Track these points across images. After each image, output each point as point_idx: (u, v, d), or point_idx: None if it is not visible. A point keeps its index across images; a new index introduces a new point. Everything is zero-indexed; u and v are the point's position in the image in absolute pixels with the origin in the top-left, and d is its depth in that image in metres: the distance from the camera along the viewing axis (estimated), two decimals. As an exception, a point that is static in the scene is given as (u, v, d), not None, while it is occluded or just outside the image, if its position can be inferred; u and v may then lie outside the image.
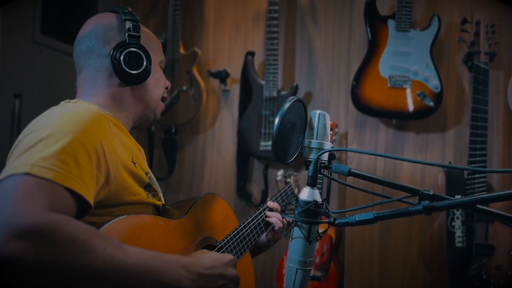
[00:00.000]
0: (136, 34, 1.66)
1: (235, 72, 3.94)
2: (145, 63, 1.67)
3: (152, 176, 1.72)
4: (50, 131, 1.30)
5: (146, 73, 1.68)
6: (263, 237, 2.14)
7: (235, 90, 3.97)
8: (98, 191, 1.36)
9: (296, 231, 1.27)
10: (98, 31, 1.68)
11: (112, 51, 1.63)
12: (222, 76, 3.87)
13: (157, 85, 1.79)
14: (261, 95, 3.65)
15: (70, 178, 1.23)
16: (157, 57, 1.79)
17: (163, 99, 1.86)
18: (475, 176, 3.10)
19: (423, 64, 3.30)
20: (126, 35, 1.65)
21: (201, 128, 4.08)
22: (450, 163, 3.43)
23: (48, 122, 1.36)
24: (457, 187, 3.10)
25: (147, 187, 1.63)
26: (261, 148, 3.62)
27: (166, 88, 1.87)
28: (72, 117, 1.39)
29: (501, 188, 3.34)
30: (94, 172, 1.33)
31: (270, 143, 3.56)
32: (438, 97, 3.28)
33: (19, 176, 1.17)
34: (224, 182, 4.02)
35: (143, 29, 1.78)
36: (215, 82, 4.00)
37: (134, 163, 1.59)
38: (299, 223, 1.26)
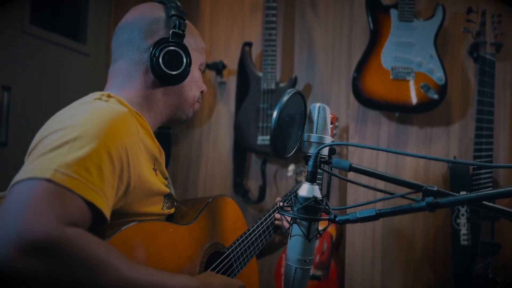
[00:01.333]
0: (180, 32, 1.64)
1: (232, 63, 3.94)
2: (184, 64, 1.65)
3: (169, 180, 1.72)
4: (77, 133, 1.28)
5: (184, 75, 1.67)
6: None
7: (231, 82, 3.97)
8: (115, 202, 1.35)
9: (295, 229, 1.27)
10: (142, 22, 1.66)
11: (152, 47, 1.61)
12: (218, 68, 3.87)
13: (194, 87, 1.78)
14: (259, 87, 3.65)
15: (91, 190, 1.21)
16: (198, 59, 1.78)
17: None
18: (481, 171, 3.10)
19: (427, 55, 3.30)
20: (170, 32, 1.63)
21: (197, 122, 4.08)
22: (455, 158, 3.43)
23: (76, 122, 1.33)
24: (462, 182, 3.10)
25: (167, 196, 1.63)
26: (258, 143, 3.62)
27: (202, 92, 1.86)
28: (102, 120, 1.36)
29: (507, 183, 3.34)
30: (116, 183, 1.32)
31: (268, 137, 3.56)
32: (442, 90, 3.27)
33: (39, 181, 1.14)
34: (221, 177, 4.02)
35: (191, 28, 1.76)
36: (211, 74, 4.00)
37: (155, 170, 1.59)
38: (298, 220, 1.26)
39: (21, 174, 1.18)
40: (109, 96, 1.56)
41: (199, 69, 1.80)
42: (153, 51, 1.60)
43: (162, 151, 1.73)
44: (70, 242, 1.09)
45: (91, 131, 1.29)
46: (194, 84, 1.77)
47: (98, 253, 1.14)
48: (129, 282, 1.17)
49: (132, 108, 1.58)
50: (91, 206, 1.21)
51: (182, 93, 1.73)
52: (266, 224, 2.02)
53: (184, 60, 1.64)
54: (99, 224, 1.27)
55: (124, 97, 1.60)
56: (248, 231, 1.91)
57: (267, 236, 2.02)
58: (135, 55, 1.64)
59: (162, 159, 1.69)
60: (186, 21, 1.70)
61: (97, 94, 1.57)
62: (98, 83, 3.90)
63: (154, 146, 1.62)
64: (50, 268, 1.06)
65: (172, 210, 1.69)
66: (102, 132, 1.31)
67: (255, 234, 1.94)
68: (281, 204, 1.31)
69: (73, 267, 1.09)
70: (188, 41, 1.70)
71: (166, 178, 1.67)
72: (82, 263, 1.10)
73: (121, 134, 1.37)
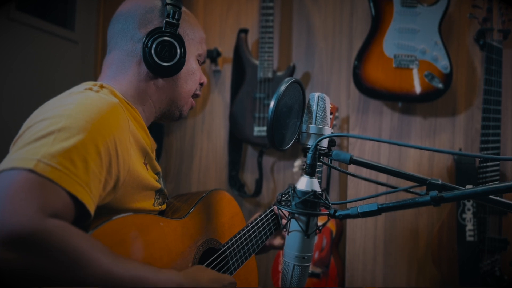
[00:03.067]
0: (174, 21, 1.64)
1: (227, 51, 3.93)
2: (178, 55, 1.65)
3: (161, 175, 1.72)
4: (63, 123, 1.28)
5: (178, 66, 1.67)
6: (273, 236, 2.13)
7: (226, 71, 3.96)
8: (104, 196, 1.36)
9: (293, 224, 1.27)
10: (136, 12, 1.67)
11: (145, 37, 1.61)
12: (213, 56, 3.86)
13: (190, 80, 1.78)
14: (255, 76, 3.64)
15: (75, 182, 1.22)
16: (196, 49, 1.77)
17: (194, 96, 1.84)
18: (488, 164, 3.10)
19: (431, 43, 3.29)
20: (164, 21, 1.63)
21: (190, 112, 4.07)
22: (460, 150, 3.43)
23: (64, 112, 1.33)
24: (468, 176, 3.10)
25: (158, 192, 1.63)
26: (255, 134, 3.62)
27: (201, 84, 1.86)
28: (91, 111, 1.36)
29: (515, 177, 3.35)
30: (103, 177, 1.33)
31: (264, 128, 3.56)
32: (447, 78, 3.27)
33: (22, 171, 1.16)
34: (215, 170, 4.02)
35: (189, 17, 1.76)
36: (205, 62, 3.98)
37: (146, 164, 1.59)
38: (296, 215, 1.26)
39: (4, 164, 1.18)
40: (101, 86, 1.57)
41: (197, 60, 1.80)
42: (146, 42, 1.60)
43: (155, 145, 1.73)
44: (50, 234, 1.10)
45: (78, 122, 1.30)
46: (190, 76, 1.77)
47: (80, 246, 1.14)
48: (112, 277, 1.18)
49: (125, 100, 1.58)
50: (74, 199, 1.21)
51: (176, 86, 1.73)
52: (267, 220, 2.01)
53: (178, 50, 1.64)
54: (82, 219, 1.27)
55: (117, 89, 1.61)
56: (246, 227, 1.89)
57: (268, 233, 2.00)
58: (129, 46, 1.65)
59: (154, 154, 1.70)
60: (184, 10, 1.70)
61: (88, 84, 1.58)
62: (87, 72, 3.90)
63: (147, 140, 1.62)
64: (27, 261, 1.06)
65: (164, 207, 1.69)
66: (90, 124, 1.31)
67: (255, 230, 1.93)
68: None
69: (52, 261, 1.09)
70: (184, 30, 1.70)
71: (157, 173, 1.67)
72: (62, 257, 1.11)
73: (109, 126, 1.38)
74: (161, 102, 1.72)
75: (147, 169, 1.59)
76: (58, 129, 1.26)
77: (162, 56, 1.61)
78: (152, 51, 1.60)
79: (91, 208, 1.26)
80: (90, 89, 1.53)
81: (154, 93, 1.69)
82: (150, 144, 1.65)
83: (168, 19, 1.62)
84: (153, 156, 1.68)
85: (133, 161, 1.48)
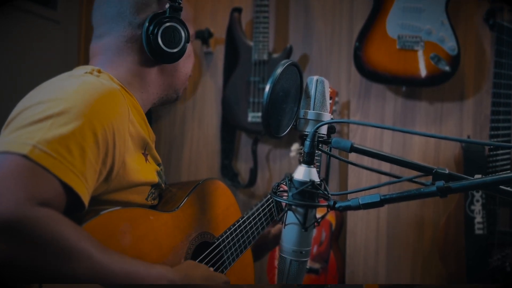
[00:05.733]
0: (177, 5, 1.64)
1: (219, 31, 3.92)
2: (183, 41, 1.66)
3: (162, 167, 1.73)
4: (62, 107, 1.28)
5: (182, 51, 1.68)
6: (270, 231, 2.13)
7: (219, 53, 3.95)
8: (96, 188, 1.36)
9: (290, 216, 1.27)
10: None
11: (147, 23, 1.61)
12: (204, 37, 3.85)
13: (188, 62, 1.80)
14: (249, 58, 3.64)
15: (70, 171, 1.22)
16: (189, 30, 1.77)
17: None
18: (498, 152, 3.10)
19: (438, 22, 3.29)
20: (167, 6, 1.63)
21: (179, 97, 4.05)
22: (468, 137, 3.44)
23: (63, 96, 1.34)
24: (477, 165, 3.11)
25: (154, 186, 1.63)
26: (249, 120, 3.62)
27: None
28: (91, 96, 1.36)
29: (527, 166, 3.36)
30: (99, 167, 1.33)
31: (259, 114, 3.56)
32: (454, 61, 3.27)
33: (15, 156, 1.16)
34: (207, 159, 4.02)
35: None
36: (196, 44, 3.97)
37: (146, 155, 1.59)
38: (293, 207, 1.26)
39: None
40: (99, 71, 1.57)
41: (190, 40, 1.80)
42: (150, 28, 1.60)
43: (154, 135, 1.73)
44: (38, 223, 1.10)
45: (78, 108, 1.30)
46: (188, 59, 1.80)
47: (69, 237, 1.15)
48: (102, 270, 1.18)
49: (123, 87, 1.58)
50: (68, 189, 1.22)
51: (176, 70, 1.75)
52: (263, 210, 2.01)
53: (183, 35, 1.66)
54: (75, 209, 1.27)
55: (114, 75, 1.61)
56: (242, 219, 1.89)
57: (264, 224, 2.00)
58: (127, 32, 1.64)
59: (153, 144, 1.70)
60: None
61: (87, 67, 1.58)
62: (69, 54, 3.87)
63: (145, 130, 1.62)
64: (13, 249, 1.07)
65: (156, 201, 1.68)
66: (89, 110, 1.32)
67: (250, 222, 1.92)
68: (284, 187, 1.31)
69: (40, 250, 1.10)
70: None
71: (158, 164, 1.68)
72: (50, 247, 1.11)
73: (109, 113, 1.38)
74: (160, 88, 1.74)
75: (146, 160, 1.59)
76: (57, 113, 1.27)
77: (168, 43, 1.62)
78: (159, 38, 1.60)
79: (86, 199, 1.27)
80: (90, 73, 1.53)
81: (154, 79, 1.70)
82: (149, 134, 1.65)
83: (172, 3, 1.63)
84: (153, 146, 1.68)
85: (130, 153, 1.48)
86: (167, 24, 1.61)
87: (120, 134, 1.41)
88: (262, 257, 2.19)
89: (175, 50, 1.64)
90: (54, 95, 1.34)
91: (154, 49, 1.61)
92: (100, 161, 1.32)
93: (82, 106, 1.31)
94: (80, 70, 1.56)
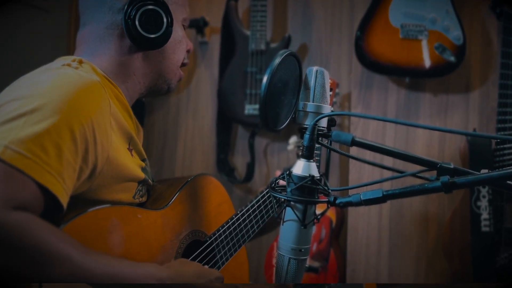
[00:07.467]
0: None
1: (215, 20, 3.91)
2: (165, 25, 1.63)
3: (148, 162, 1.72)
4: (36, 104, 1.27)
5: (166, 37, 1.65)
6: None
7: (214, 42, 3.95)
8: (78, 186, 1.35)
9: (289, 213, 1.27)
10: None
11: (126, 7, 1.58)
12: (199, 25, 3.85)
13: (178, 49, 1.77)
14: (247, 48, 3.64)
15: (46, 172, 1.21)
16: (180, 14, 1.75)
17: (182, 65, 1.83)
18: (505, 146, 3.10)
19: (442, 11, 3.29)
20: None
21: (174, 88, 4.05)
22: (474, 130, 3.44)
23: (37, 92, 1.33)
24: (483, 159, 3.11)
25: (141, 183, 1.63)
26: (246, 113, 3.62)
27: (188, 51, 1.85)
28: (67, 91, 1.35)
29: (535, 160, 3.36)
30: (79, 166, 1.32)
31: (257, 106, 3.56)
32: (460, 51, 3.27)
33: None
34: (202, 153, 4.02)
35: None
36: (190, 33, 3.96)
37: (131, 150, 1.58)
38: (292, 203, 1.26)
39: None
40: (80, 62, 1.55)
41: (182, 25, 1.79)
42: (128, 12, 1.58)
43: (141, 128, 1.72)
44: (15, 228, 1.10)
45: (53, 103, 1.29)
46: (178, 45, 1.76)
47: (48, 240, 1.15)
48: (84, 273, 1.18)
49: (106, 77, 1.57)
50: (45, 190, 1.21)
51: (164, 57, 1.72)
52: (259, 206, 2.00)
53: (165, 19, 1.62)
54: (54, 211, 1.27)
55: (97, 65, 1.59)
56: (235, 216, 1.89)
57: (260, 221, 2.00)
58: (108, 17, 1.63)
59: (139, 138, 1.69)
60: None
61: (67, 58, 1.57)
62: (59, 44, 3.86)
63: (130, 123, 1.62)
64: None
65: (144, 199, 1.68)
66: (66, 105, 1.31)
67: (245, 219, 1.92)
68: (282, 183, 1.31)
69: (17, 256, 1.10)
70: None
71: (143, 160, 1.67)
72: (28, 251, 1.11)
73: (88, 108, 1.37)
74: (147, 77, 1.72)
75: (131, 155, 1.58)
76: (30, 110, 1.25)
77: (147, 27, 1.59)
78: (136, 22, 1.57)
79: (64, 200, 1.26)
80: (69, 65, 1.51)
81: (138, 68, 1.68)
82: (134, 127, 1.65)
83: None
84: (139, 140, 1.67)
85: (114, 148, 1.47)
86: (145, 7, 1.58)
87: (101, 129, 1.39)
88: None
89: (156, 35, 1.61)
90: (28, 91, 1.33)
91: (133, 35, 1.59)
92: (79, 159, 1.32)
93: (58, 102, 1.30)
94: (58, 62, 1.54)
